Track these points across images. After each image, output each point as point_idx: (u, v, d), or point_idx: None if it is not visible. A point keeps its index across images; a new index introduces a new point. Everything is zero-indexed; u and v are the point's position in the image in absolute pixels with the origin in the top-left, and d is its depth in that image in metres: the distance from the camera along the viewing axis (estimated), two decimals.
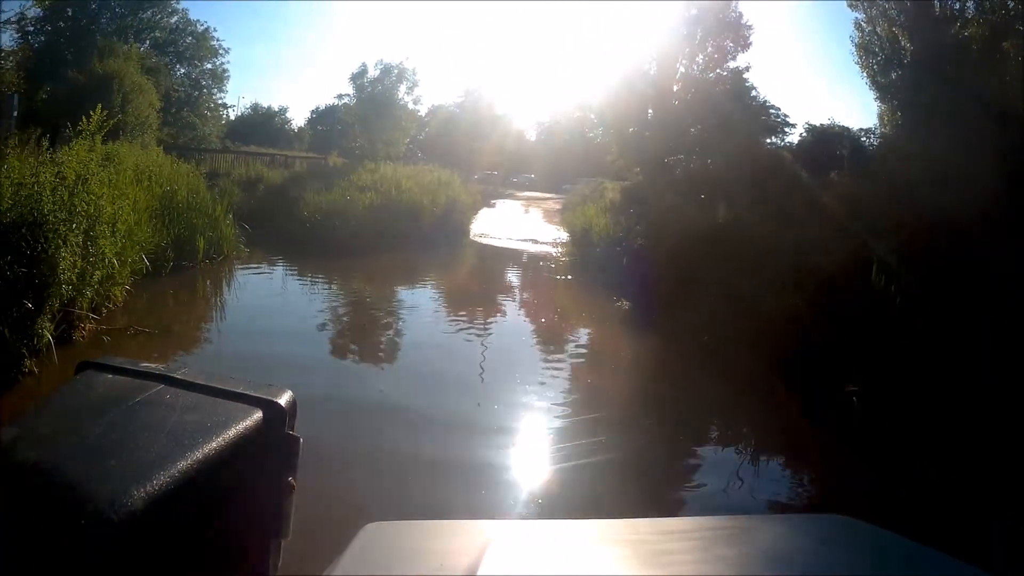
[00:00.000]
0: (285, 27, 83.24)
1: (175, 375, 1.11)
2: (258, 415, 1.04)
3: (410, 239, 17.45)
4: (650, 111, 24.52)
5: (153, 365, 1.15)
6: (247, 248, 15.57)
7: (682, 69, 24.42)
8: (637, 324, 10.48)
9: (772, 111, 22.25)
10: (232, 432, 0.98)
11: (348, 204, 17.93)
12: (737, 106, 21.87)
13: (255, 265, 14.83)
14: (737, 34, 24.27)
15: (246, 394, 1.07)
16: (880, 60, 19.68)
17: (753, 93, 22.59)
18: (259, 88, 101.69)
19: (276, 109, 57.77)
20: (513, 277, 15.72)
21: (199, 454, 0.92)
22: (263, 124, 54.92)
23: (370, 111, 28.94)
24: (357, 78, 29.55)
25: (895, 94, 19.43)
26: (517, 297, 13.24)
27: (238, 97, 77.56)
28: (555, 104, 59.44)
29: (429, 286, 13.81)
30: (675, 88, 24.58)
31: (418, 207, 18.86)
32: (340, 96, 30.55)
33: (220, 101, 47.27)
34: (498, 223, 24.71)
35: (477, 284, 14.01)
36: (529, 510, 4.62)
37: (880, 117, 20.33)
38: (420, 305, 11.66)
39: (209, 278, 12.92)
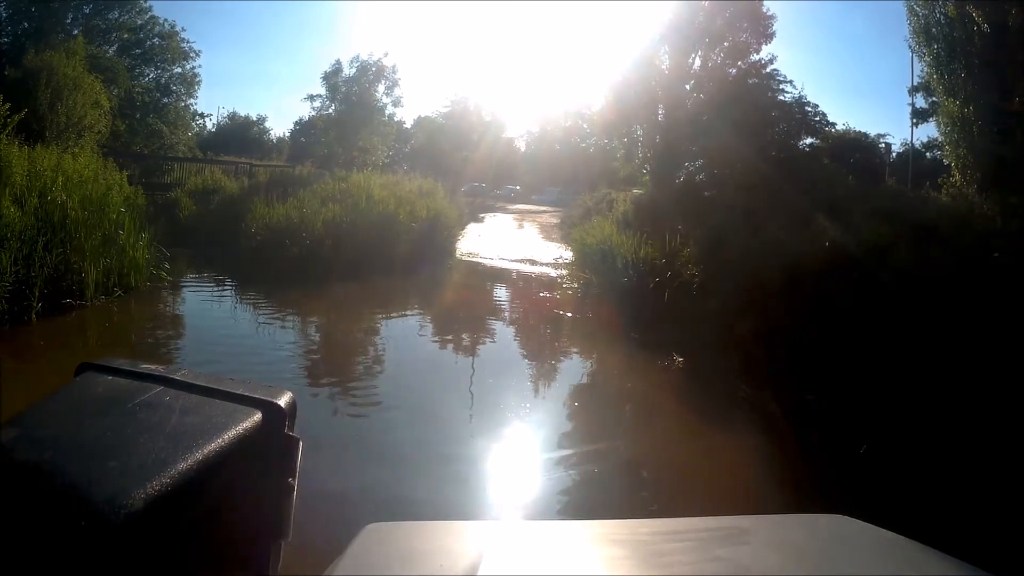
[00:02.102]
0: (270, 39, 78.97)
1: (175, 376, 1.03)
2: (257, 416, 0.96)
3: (382, 261, 13.54)
4: (660, 110, 20.80)
5: (152, 366, 1.06)
6: (170, 276, 11.62)
7: (697, 62, 20.77)
8: (715, 404, 6.62)
9: (808, 109, 18.57)
10: (232, 433, 0.92)
11: (305, 218, 13.98)
12: (768, 102, 18.14)
13: (171, 301, 10.87)
14: (756, 24, 20.65)
15: (245, 395, 1.00)
16: (943, 47, 16.20)
17: (785, 87, 18.75)
18: (244, 100, 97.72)
19: (254, 118, 53.64)
20: (509, 315, 11.63)
21: (199, 455, 0.87)
22: (240, 134, 50.91)
23: (345, 114, 25.01)
24: (330, 77, 25.60)
25: (962, 86, 15.89)
26: (518, 354, 9.12)
27: (217, 107, 72.91)
28: (546, 113, 55.61)
29: (393, 330, 9.77)
30: (687, 86, 20.93)
31: (392, 222, 14.93)
32: (311, 97, 26.21)
33: (193, 107, 43.13)
34: (489, 240, 20.76)
35: (458, 328, 10.02)
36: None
37: (945, 115, 16.61)
38: (371, 372, 7.77)
39: (100, 324, 8.97)
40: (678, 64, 20.71)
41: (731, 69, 19.69)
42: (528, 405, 6.69)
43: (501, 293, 13.80)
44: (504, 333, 10.04)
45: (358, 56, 25.44)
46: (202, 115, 51.12)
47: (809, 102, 18.68)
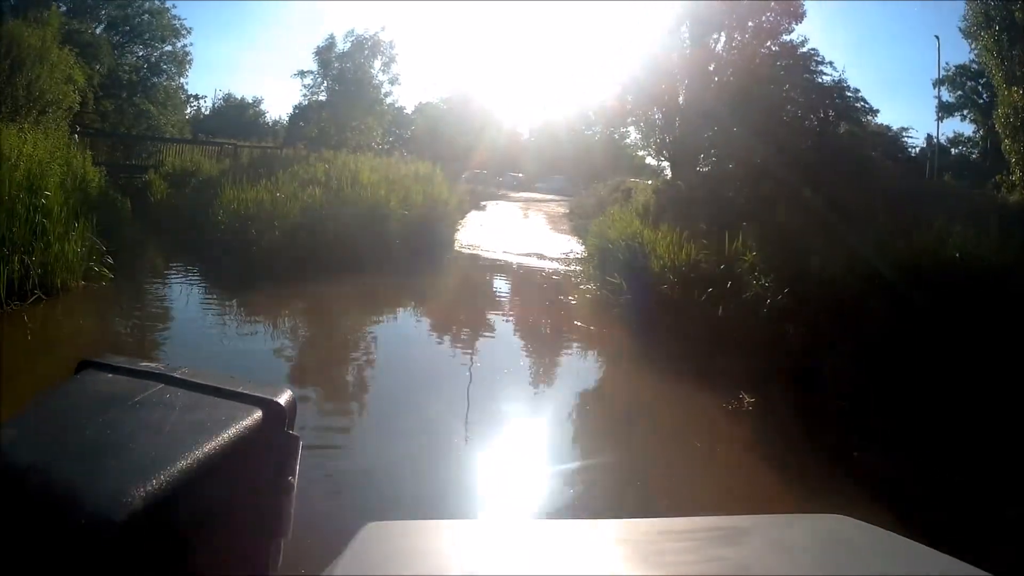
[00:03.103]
0: (270, 23, 76.10)
1: (175, 374, 0.99)
2: (258, 414, 0.92)
3: (368, 254, 11.41)
4: (682, 91, 18.64)
5: (153, 364, 1.01)
6: (112, 274, 9.48)
7: (721, 42, 18.57)
8: (817, 471, 4.56)
9: (848, 94, 16.26)
10: (232, 432, 0.88)
11: (278, 204, 11.83)
12: (806, 85, 15.97)
13: (98, 308, 8.69)
14: (786, 3, 18.36)
15: (246, 393, 0.95)
16: (1006, 33, 14.15)
17: (822, 68, 16.44)
18: (244, 85, 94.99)
19: (250, 100, 51.38)
20: (519, 329, 9.23)
21: (198, 453, 0.83)
22: (236, 116, 48.73)
23: (337, 92, 22.77)
24: (323, 53, 23.30)
25: None
26: (535, 386, 6.76)
27: (214, 90, 70.16)
28: (552, 99, 53.19)
29: (369, 351, 7.61)
30: (711, 67, 18.72)
31: (383, 209, 12.79)
32: (302, 73, 23.88)
33: (184, 88, 40.95)
34: (492, 231, 18.58)
35: (454, 346, 7.93)
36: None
37: (1006, 105, 14.55)
38: (330, 425, 5.63)
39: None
40: (700, 43, 18.56)
41: (762, 49, 17.49)
42: (559, 469, 4.61)
43: (507, 296, 11.57)
44: (515, 354, 7.77)
45: (353, 30, 23.13)
46: (197, 97, 49.44)
47: (849, 86, 16.44)
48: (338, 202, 12.26)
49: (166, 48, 38.55)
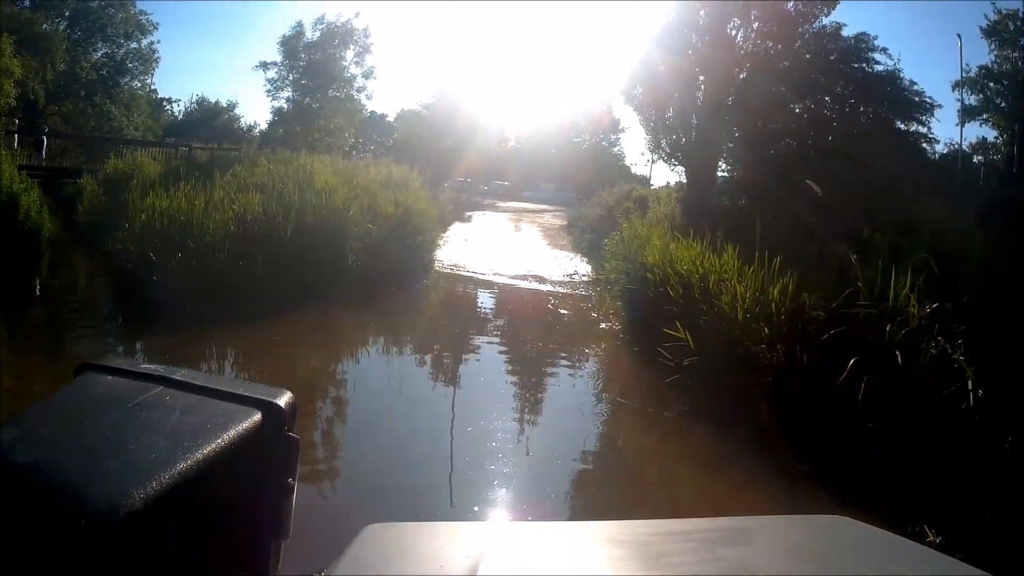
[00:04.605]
0: (250, 27, 73.04)
1: (174, 376, 0.95)
2: (257, 416, 0.89)
3: (318, 280, 8.47)
4: (700, 88, 15.85)
5: (152, 367, 0.97)
6: None
7: (744, 29, 15.83)
8: None
9: (906, 89, 13.43)
10: (231, 433, 0.85)
11: (196, 215, 8.79)
12: (854, 76, 13.22)
13: None
14: None
15: (245, 395, 0.92)
16: None
17: (873, 56, 13.67)
18: (225, 88, 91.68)
19: (224, 104, 48.38)
20: (531, 405, 5.99)
21: (198, 455, 0.81)
22: (209, 121, 45.69)
23: (304, 85, 19.75)
24: (289, 42, 20.26)
25: None
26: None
27: (192, 94, 66.77)
28: (540, 105, 50.75)
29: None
30: (734, 57, 15.96)
31: (341, 222, 9.79)
32: (264, 65, 20.81)
33: (151, 88, 38.00)
34: (479, 246, 15.59)
35: (418, 453, 4.65)
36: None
37: None
38: None
39: None
40: (720, 30, 15.84)
41: (797, 32, 14.77)
42: None
43: (505, 342, 8.32)
44: (526, 473, 4.75)
45: (323, 17, 20.09)
46: (170, 100, 46.85)
47: (904, 77, 13.68)
48: (282, 212, 9.24)
49: (131, 46, 35.49)
